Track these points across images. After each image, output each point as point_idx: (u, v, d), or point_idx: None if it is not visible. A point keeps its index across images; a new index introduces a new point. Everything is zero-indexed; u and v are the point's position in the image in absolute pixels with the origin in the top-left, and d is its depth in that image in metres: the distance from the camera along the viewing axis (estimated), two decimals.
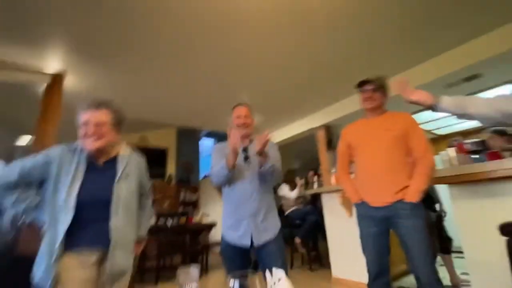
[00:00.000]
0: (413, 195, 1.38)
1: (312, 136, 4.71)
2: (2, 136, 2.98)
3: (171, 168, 6.18)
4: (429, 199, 2.81)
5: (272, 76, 3.30)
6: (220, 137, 7.82)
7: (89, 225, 1.09)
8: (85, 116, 1.15)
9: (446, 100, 1.10)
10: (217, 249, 5.09)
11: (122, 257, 1.14)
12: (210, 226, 3.97)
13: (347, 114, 3.87)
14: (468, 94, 3.33)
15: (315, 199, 4.06)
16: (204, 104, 4.08)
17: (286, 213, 4.00)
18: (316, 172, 4.50)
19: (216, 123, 4.89)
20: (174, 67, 2.99)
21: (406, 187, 1.42)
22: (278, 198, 4.28)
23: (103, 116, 1.18)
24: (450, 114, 1.09)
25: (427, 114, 4.24)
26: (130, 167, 1.26)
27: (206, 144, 8.43)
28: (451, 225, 4.01)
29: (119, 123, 1.24)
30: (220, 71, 3.18)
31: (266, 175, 1.45)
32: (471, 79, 2.88)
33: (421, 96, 1.17)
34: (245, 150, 1.56)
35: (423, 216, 1.42)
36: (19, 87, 2.16)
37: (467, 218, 2.04)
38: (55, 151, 1.16)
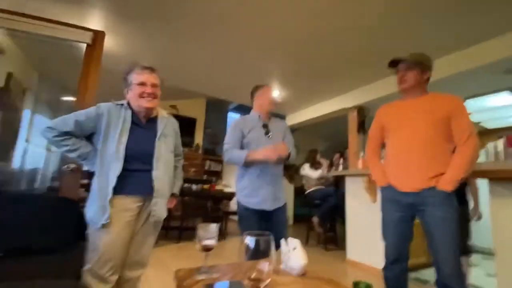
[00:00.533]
0: (448, 184, 1.28)
1: (341, 117, 4.51)
2: (48, 93, 3.25)
3: (198, 138, 6.40)
4: (462, 195, 2.59)
5: (304, 52, 3.13)
6: (247, 112, 7.83)
7: (134, 174, 1.22)
8: (143, 77, 1.27)
9: None
10: (236, 218, 5.33)
11: (162, 205, 1.30)
12: (230, 196, 4.12)
13: (382, 96, 3.61)
14: None
15: (338, 182, 4.00)
16: (234, 78, 4.04)
17: (307, 192, 4.01)
18: (343, 155, 4.37)
19: (244, 97, 4.86)
20: (211, 38, 2.96)
21: (441, 174, 1.31)
22: (299, 177, 4.28)
23: (157, 79, 1.32)
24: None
25: (473, 103, 3.80)
26: (168, 128, 1.40)
27: (233, 117, 8.53)
28: (482, 225, 3.77)
29: (161, 88, 1.36)
30: (253, 47, 3.10)
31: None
32: None
33: None
34: (265, 126, 1.76)
35: (455, 207, 1.32)
36: (63, 46, 2.31)
37: (505, 217, 1.88)
38: (104, 106, 1.28)
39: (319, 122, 5.17)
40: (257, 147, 1.64)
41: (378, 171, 1.55)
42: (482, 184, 4.02)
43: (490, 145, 1.93)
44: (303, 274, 0.94)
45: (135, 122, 1.30)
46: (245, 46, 3.11)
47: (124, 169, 1.19)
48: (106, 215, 1.15)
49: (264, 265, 0.57)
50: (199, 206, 3.61)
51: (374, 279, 1.53)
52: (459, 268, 1.27)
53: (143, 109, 1.29)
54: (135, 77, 1.28)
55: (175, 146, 1.45)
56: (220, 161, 6.64)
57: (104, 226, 1.14)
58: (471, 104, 3.83)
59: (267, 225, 1.65)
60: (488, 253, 3.64)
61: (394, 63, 1.51)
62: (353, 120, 4.16)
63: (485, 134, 4.95)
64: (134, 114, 1.31)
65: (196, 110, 6.48)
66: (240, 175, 1.72)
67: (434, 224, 1.30)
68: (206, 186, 3.66)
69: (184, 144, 5.92)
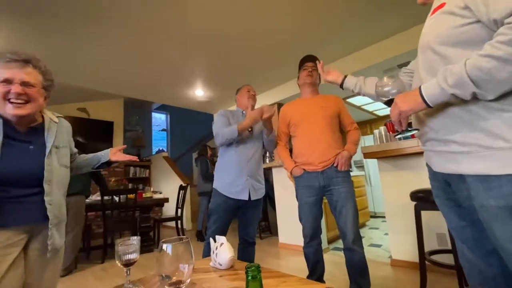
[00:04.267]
0: (345, 157, 1.62)
1: None
2: None
3: (118, 143, 5.76)
4: None
5: (225, 52, 3.22)
6: (174, 111, 7.48)
7: (14, 201, 0.95)
8: (7, 73, 0.91)
9: (348, 80, 1.28)
10: (171, 224, 5.08)
11: (60, 233, 1.08)
12: (161, 202, 3.91)
13: (296, 93, 4.03)
14: None
15: (267, 173, 4.27)
16: (154, 78, 3.82)
17: None
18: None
19: (167, 97, 4.63)
20: (125, 37, 2.72)
21: (337, 154, 1.66)
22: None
23: (35, 74, 0.98)
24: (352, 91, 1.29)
25: (363, 98, 4.64)
26: (60, 137, 1.11)
27: (158, 117, 8.00)
28: (380, 195, 4.67)
29: (49, 87, 1.05)
30: (173, 46, 3.00)
31: (271, 143, 1.85)
32: (404, 66, 3.23)
33: (334, 76, 1.32)
34: None
35: (352, 183, 1.65)
36: None
37: (390, 187, 2.40)
38: None
39: None
40: (240, 141, 1.74)
41: (288, 160, 1.80)
42: (373, 162, 4.92)
43: (376, 131, 2.41)
44: (231, 267, 1.01)
45: (9, 134, 0.96)
46: (164, 45, 2.97)
47: (4, 197, 0.92)
48: None
49: (184, 267, 0.60)
50: (124, 219, 3.30)
51: (301, 256, 1.77)
52: (358, 233, 1.58)
53: (10, 117, 0.94)
54: None
55: (70, 154, 1.20)
56: (147, 166, 6.16)
57: None
58: (361, 98, 4.64)
59: (240, 218, 1.77)
60: (385, 217, 4.54)
61: (307, 59, 1.79)
62: (274, 116, 4.49)
63: (377, 120, 6.09)
64: (6, 123, 0.96)
65: (112, 113, 5.77)
66: (222, 163, 1.79)
67: (340, 200, 1.58)
68: (131, 196, 3.36)
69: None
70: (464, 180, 0.72)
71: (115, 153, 1.30)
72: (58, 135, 1.10)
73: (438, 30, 0.72)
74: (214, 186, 1.78)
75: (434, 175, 0.89)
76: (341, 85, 1.31)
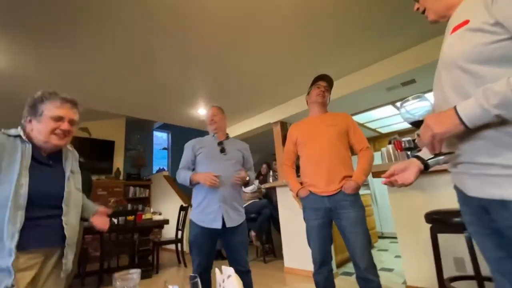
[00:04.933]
0: (352, 188, 1.51)
1: (267, 132, 4.80)
2: None
3: (119, 162, 5.70)
4: None
5: (229, 73, 3.25)
6: (175, 130, 7.48)
7: (37, 223, 1.01)
8: (62, 111, 1.10)
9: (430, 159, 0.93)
10: (170, 247, 4.89)
11: (72, 255, 1.12)
12: (161, 224, 3.78)
13: (299, 111, 4.04)
14: (406, 97, 3.74)
15: (271, 193, 4.17)
16: (157, 97, 3.84)
17: (243, 206, 4.02)
18: (269, 165, 4.62)
19: (169, 117, 4.64)
20: (121, 56, 2.75)
21: (348, 176, 1.56)
22: None
23: (77, 114, 1.17)
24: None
25: (369, 115, 4.65)
26: (74, 164, 1.24)
27: (160, 136, 7.99)
28: (387, 215, 4.52)
29: (78, 122, 1.21)
30: (175, 67, 3.03)
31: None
32: (408, 84, 3.24)
33: (417, 172, 0.90)
34: (220, 143, 1.81)
35: (363, 208, 1.55)
36: None
37: (401, 208, 2.30)
38: None
39: (248, 137, 5.35)
40: (212, 164, 1.70)
41: (294, 180, 1.73)
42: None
43: (383, 150, 2.36)
44: None
45: (36, 158, 1.07)
46: (167, 64, 2.99)
47: (25, 218, 0.97)
48: (5, 283, 0.90)
49: None
50: (122, 242, 3.15)
51: (310, 282, 1.64)
52: (372, 260, 1.47)
53: (50, 145, 1.09)
54: (51, 109, 1.08)
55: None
56: (147, 186, 6.05)
57: None
58: (364, 116, 4.64)
59: (226, 247, 1.69)
60: (394, 237, 4.36)
61: (321, 78, 1.75)
62: (277, 134, 4.47)
63: (380, 138, 6.06)
64: (34, 148, 1.07)
65: (113, 132, 5.75)
66: (195, 192, 1.75)
67: (349, 225, 1.48)
68: (130, 218, 3.24)
69: (101, 171, 5.17)
70: (507, 206, 0.65)
71: (96, 218, 1.29)
72: (73, 162, 1.23)
73: (465, 48, 0.69)
74: (190, 216, 1.72)
75: (466, 200, 0.81)
76: (426, 167, 0.92)
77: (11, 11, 2.05)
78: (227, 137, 1.91)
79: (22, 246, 0.96)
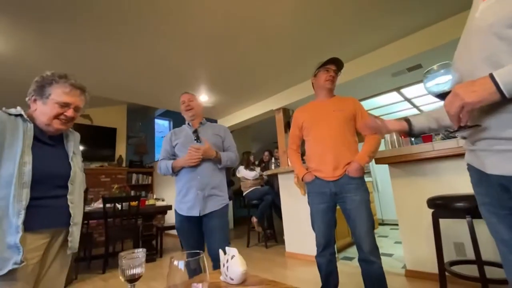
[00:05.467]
0: (355, 169, 1.51)
1: (269, 119, 4.76)
2: None
3: (121, 149, 5.72)
4: None
5: (231, 59, 3.18)
6: (176, 118, 7.46)
7: (43, 203, 1.01)
8: (70, 98, 1.09)
9: (416, 120, 1.05)
10: (173, 232, 4.99)
11: (78, 233, 1.13)
12: (164, 209, 3.83)
13: (302, 98, 3.97)
14: (412, 83, 3.67)
15: (273, 180, 4.19)
16: (158, 83, 3.78)
17: (245, 193, 4.06)
18: (271, 152, 4.62)
19: (171, 103, 4.60)
20: (129, 43, 2.69)
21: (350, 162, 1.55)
22: (237, 180, 4.31)
23: (83, 102, 1.16)
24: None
25: (373, 101, 4.59)
26: (76, 144, 1.23)
27: (161, 124, 7.98)
28: (389, 201, 4.55)
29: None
30: (177, 52, 2.96)
31: (230, 165, 1.75)
32: (414, 69, 3.17)
33: (398, 126, 1.08)
34: (195, 131, 1.75)
35: (368, 191, 1.55)
36: None
37: (403, 193, 2.31)
38: None
39: (250, 124, 5.32)
40: (187, 151, 1.65)
41: (300, 165, 1.72)
42: (380, 168, 4.81)
43: (387, 136, 2.33)
44: (243, 282, 0.92)
45: (38, 137, 1.05)
46: (168, 49, 2.93)
47: (31, 198, 0.97)
48: (15, 259, 0.90)
49: (198, 286, 0.52)
50: (127, 227, 3.21)
51: (311, 266, 1.67)
52: (375, 243, 1.48)
53: (51, 129, 1.08)
54: (59, 94, 1.07)
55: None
56: (149, 173, 6.10)
57: (4, 277, 0.89)
58: (369, 103, 4.59)
59: (205, 228, 1.63)
60: (394, 224, 4.41)
61: (332, 61, 1.64)
62: (279, 121, 4.43)
63: None
64: (36, 128, 1.06)
65: (115, 119, 5.74)
66: (176, 180, 1.74)
67: (354, 208, 1.49)
68: (134, 203, 3.28)
69: (104, 158, 5.19)
70: None
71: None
72: (75, 142, 1.22)
73: (504, 11, 0.63)
74: (174, 206, 1.72)
75: (483, 180, 0.78)
76: (411, 131, 1.04)
77: None
78: (202, 123, 1.81)
79: (29, 227, 0.96)
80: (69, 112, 1.09)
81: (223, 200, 1.68)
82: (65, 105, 1.08)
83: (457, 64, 0.80)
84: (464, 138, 0.86)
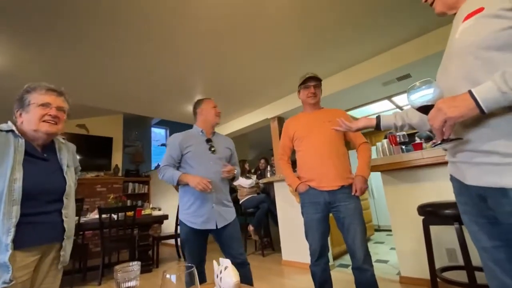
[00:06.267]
0: (362, 185, 1.55)
1: (264, 127, 4.82)
2: None
3: (117, 159, 5.71)
4: None
5: (226, 69, 3.25)
6: (173, 126, 7.48)
7: (35, 219, 1.01)
8: (47, 98, 1.10)
9: (384, 118, 1.19)
10: (170, 242, 4.95)
11: (70, 247, 1.15)
12: (161, 219, 3.82)
13: (294, 107, 4.06)
14: (401, 92, 3.76)
15: (269, 188, 4.21)
16: (154, 93, 3.84)
17: (241, 201, 4.07)
18: (267, 160, 4.66)
19: (166, 112, 4.64)
20: (120, 49, 2.74)
21: (349, 172, 1.60)
22: (234, 187, 4.33)
23: (65, 102, 1.18)
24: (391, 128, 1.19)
25: (366, 109, 4.68)
26: (69, 156, 1.23)
27: (158, 132, 7.99)
28: (384, 208, 4.58)
29: (68, 115, 1.21)
30: (173, 63, 3.03)
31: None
32: (403, 79, 3.26)
33: (364, 121, 1.25)
34: (208, 140, 1.74)
35: (359, 198, 1.59)
36: None
37: (396, 200, 2.35)
38: None
39: (246, 132, 5.37)
40: (201, 162, 1.65)
41: (292, 176, 1.75)
42: (376, 174, 4.85)
43: (378, 144, 2.39)
44: None
45: (30, 152, 1.05)
46: (164, 60, 2.99)
47: (22, 215, 0.96)
48: (4, 278, 0.90)
49: None
50: (123, 237, 3.19)
51: (307, 274, 1.68)
52: (368, 251, 1.51)
53: (41, 134, 1.07)
54: (37, 97, 1.08)
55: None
56: (146, 182, 6.08)
57: None
58: (361, 111, 4.67)
59: (218, 242, 1.66)
60: (390, 230, 4.43)
61: (309, 79, 1.72)
62: (274, 129, 4.49)
63: (377, 132, 6.10)
64: (27, 143, 1.06)
65: (111, 128, 5.74)
66: (183, 192, 1.69)
67: (348, 217, 1.52)
68: (130, 213, 3.28)
69: (100, 168, 5.15)
70: (506, 194, 0.67)
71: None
72: (68, 153, 1.22)
73: (481, 34, 0.69)
74: (179, 217, 1.68)
75: (463, 190, 0.82)
76: (378, 126, 1.19)
77: (7, 8, 2.05)
78: (214, 132, 1.83)
79: (19, 244, 0.95)
80: (52, 111, 1.09)
81: (233, 210, 1.74)
82: (46, 105, 1.09)
83: (440, 81, 0.86)
84: (445, 150, 0.91)
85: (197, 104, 1.83)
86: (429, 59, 2.83)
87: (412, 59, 2.91)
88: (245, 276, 1.63)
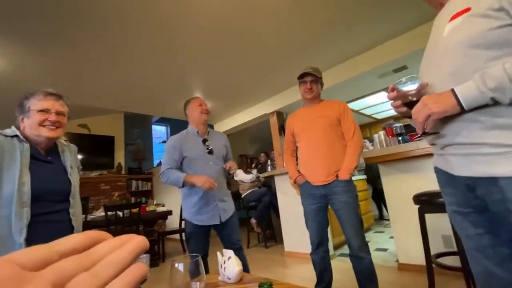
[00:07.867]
0: (344, 174, 1.60)
1: (264, 122, 4.86)
2: None
3: (120, 157, 5.79)
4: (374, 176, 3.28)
5: (224, 66, 3.27)
6: (173, 123, 7.53)
7: (44, 219, 1.05)
8: (46, 103, 1.13)
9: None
10: (175, 236, 5.06)
11: None
12: (165, 215, 3.91)
13: (293, 101, 4.08)
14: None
15: (270, 181, 4.28)
16: (154, 92, 3.86)
17: (243, 195, 4.14)
18: (267, 154, 4.72)
19: (166, 110, 4.68)
20: (120, 48, 2.76)
21: (337, 166, 1.65)
22: (235, 183, 4.40)
23: (64, 106, 1.19)
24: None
25: (363, 102, 4.70)
26: (72, 158, 1.27)
27: (158, 130, 8.05)
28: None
29: (69, 118, 1.24)
30: (172, 61, 3.04)
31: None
32: (400, 70, 3.28)
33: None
34: (205, 141, 1.77)
35: (355, 193, 1.65)
36: None
37: (393, 190, 2.41)
38: None
39: (247, 127, 5.41)
40: (201, 165, 1.70)
41: (293, 169, 1.83)
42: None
43: (375, 136, 2.43)
44: (240, 280, 1.02)
45: (35, 156, 1.11)
46: (163, 57, 3.01)
47: (32, 215, 1.02)
48: None
49: (195, 285, 0.61)
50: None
51: (309, 264, 1.77)
52: (364, 240, 1.58)
53: (43, 139, 1.12)
54: (36, 103, 1.11)
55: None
56: (149, 179, 6.17)
57: None
58: (359, 103, 4.70)
59: (220, 234, 1.75)
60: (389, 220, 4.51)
61: (303, 75, 1.76)
62: (274, 124, 4.53)
63: (376, 123, 6.13)
64: (32, 147, 1.11)
65: (113, 127, 5.81)
66: (186, 192, 1.75)
67: (341, 209, 1.59)
68: (134, 210, 3.36)
69: (103, 166, 5.23)
70: (496, 182, 0.70)
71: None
72: (71, 155, 1.26)
73: (469, 33, 0.72)
74: (183, 215, 1.77)
75: (450, 181, 0.86)
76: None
77: (3, 9, 2.08)
78: (209, 131, 1.86)
79: (31, 242, 0.98)
80: (52, 117, 1.11)
81: (233, 204, 1.86)
82: (45, 111, 1.11)
83: (426, 77, 0.88)
84: (433, 144, 0.95)
85: (185, 105, 1.89)
86: (424, 51, 2.84)
87: (407, 51, 2.92)
88: (242, 260, 1.75)
